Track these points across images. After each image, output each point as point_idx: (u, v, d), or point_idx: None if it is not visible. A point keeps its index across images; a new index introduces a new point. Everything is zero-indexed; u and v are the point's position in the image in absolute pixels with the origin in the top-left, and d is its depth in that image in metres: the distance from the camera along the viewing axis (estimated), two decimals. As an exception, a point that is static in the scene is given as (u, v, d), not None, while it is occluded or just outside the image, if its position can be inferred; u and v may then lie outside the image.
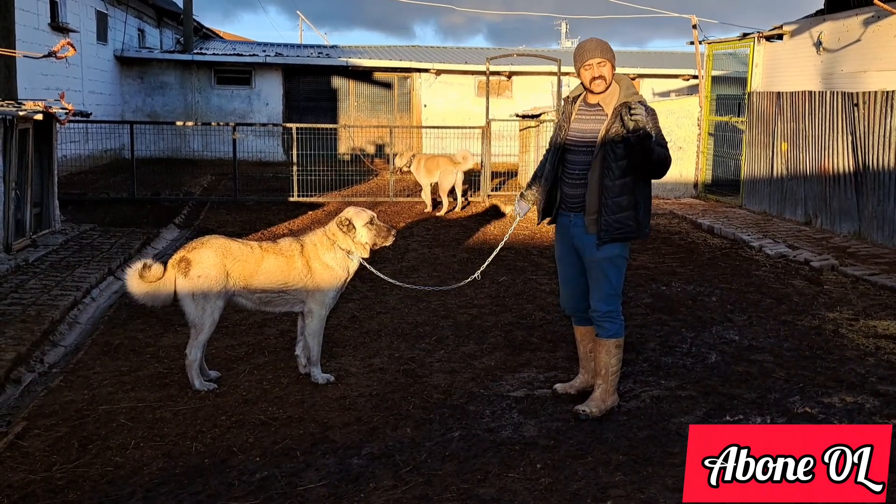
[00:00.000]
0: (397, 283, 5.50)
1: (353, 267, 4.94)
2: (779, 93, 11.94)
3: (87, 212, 11.36)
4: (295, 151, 13.79)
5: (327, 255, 4.83)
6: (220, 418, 4.39)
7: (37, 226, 9.06)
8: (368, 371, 5.20)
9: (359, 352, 5.61)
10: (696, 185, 14.30)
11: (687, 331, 6.16)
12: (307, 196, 13.25)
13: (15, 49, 10.05)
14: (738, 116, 13.43)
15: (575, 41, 38.27)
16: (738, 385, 5.00)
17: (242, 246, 4.79)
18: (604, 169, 4.22)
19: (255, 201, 13.14)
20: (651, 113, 4.18)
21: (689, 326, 6.28)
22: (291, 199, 13.12)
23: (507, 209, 12.35)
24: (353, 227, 4.84)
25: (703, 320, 6.45)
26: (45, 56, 7.74)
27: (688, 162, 14.24)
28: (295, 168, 13.47)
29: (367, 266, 4.98)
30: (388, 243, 4.95)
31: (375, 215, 4.99)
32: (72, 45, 7.65)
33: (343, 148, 20.77)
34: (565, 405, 4.64)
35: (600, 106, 4.32)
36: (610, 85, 4.30)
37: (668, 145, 4.34)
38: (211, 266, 4.65)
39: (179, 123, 16.07)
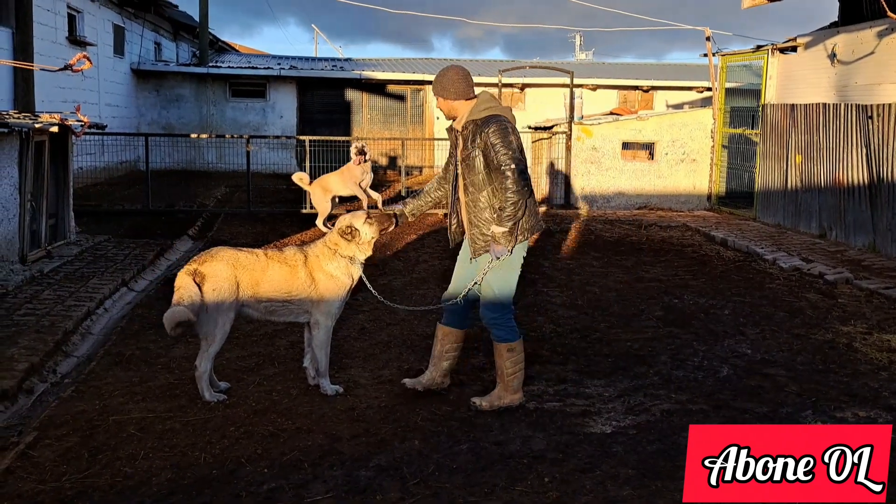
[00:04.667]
0: (385, 301, 5.24)
1: (357, 273, 4.93)
2: (793, 105, 11.90)
3: (102, 223, 11.44)
4: (308, 164, 13.84)
5: (330, 265, 4.85)
6: (229, 429, 4.40)
7: (52, 237, 9.14)
8: (377, 382, 5.20)
9: (368, 363, 5.61)
10: (709, 197, 14.25)
11: (699, 344, 6.12)
12: (320, 208, 13.27)
13: (33, 62, 10.18)
14: (752, 128, 13.38)
15: (589, 54, 38.30)
16: (750, 399, 4.97)
17: (249, 255, 4.82)
18: (464, 187, 4.55)
19: (269, 213, 13.20)
20: (502, 131, 4.37)
21: (701, 340, 6.24)
22: (304, 211, 13.16)
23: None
24: (356, 229, 4.85)
25: (715, 333, 6.41)
26: (61, 69, 7.82)
27: (701, 174, 14.19)
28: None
29: (365, 281, 4.96)
30: (392, 228, 4.95)
31: (368, 210, 5.00)
32: (88, 59, 7.71)
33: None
34: (574, 418, 4.62)
35: (459, 130, 4.60)
36: (459, 112, 4.55)
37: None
38: (224, 279, 4.67)
39: (193, 136, 16.19)
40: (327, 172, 12.35)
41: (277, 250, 4.97)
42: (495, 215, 4.45)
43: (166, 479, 3.84)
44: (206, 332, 4.71)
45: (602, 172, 14.11)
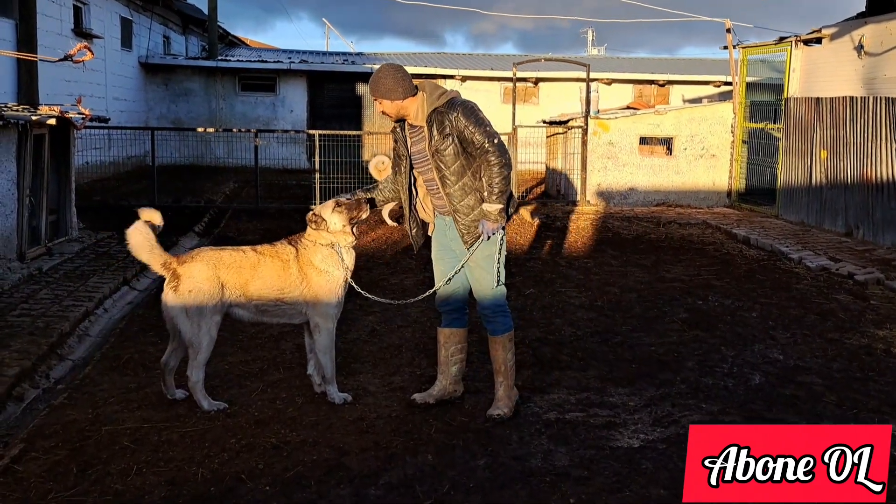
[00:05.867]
0: (370, 297, 4.89)
1: (349, 259, 4.62)
2: (818, 98, 11.51)
3: (106, 219, 11.17)
4: (317, 158, 13.56)
5: (316, 257, 4.56)
6: (230, 441, 4.11)
7: (53, 233, 8.88)
8: (388, 390, 4.90)
9: (378, 369, 5.31)
10: (729, 193, 13.87)
11: (727, 349, 5.79)
12: (330, 204, 12.99)
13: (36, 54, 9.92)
14: (774, 123, 12.99)
15: (602, 49, 37.83)
16: (786, 410, 4.64)
17: (234, 252, 4.53)
18: (442, 179, 4.34)
19: (277, 209, 12.93)
20: (469, 111, 4.24)
21: (730, 344, 5.91)
22: (313, 206, 12.87)
23: (532, 218, 12.01)
24: (322, 218, 4.58)
25: (743, 337, 6.08)
26: (61, 60, 7.55)
27: (721, 170, 13.82)
28: (317, 175, 13.24)
29: (353, 285, 4.66)
30: (364, 215, 4.63)
31: (341, 198, 4.70)
32: (89, 49, 7.45)
33: (367, 155, 20.53)
34: (598, 430, 4.31)
35: (417, 126, 4.37)
36: (409, 109, 4.31)
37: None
38: (203, 280, 4.37)
39: (200, 130, 15.94)
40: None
41: (268, 245, 4.68)
42: (485, 194, 4.30)
43: (160, 496, 3.55)
44: (191, 339, 4.41)
45: (619, 168, 13.76)
